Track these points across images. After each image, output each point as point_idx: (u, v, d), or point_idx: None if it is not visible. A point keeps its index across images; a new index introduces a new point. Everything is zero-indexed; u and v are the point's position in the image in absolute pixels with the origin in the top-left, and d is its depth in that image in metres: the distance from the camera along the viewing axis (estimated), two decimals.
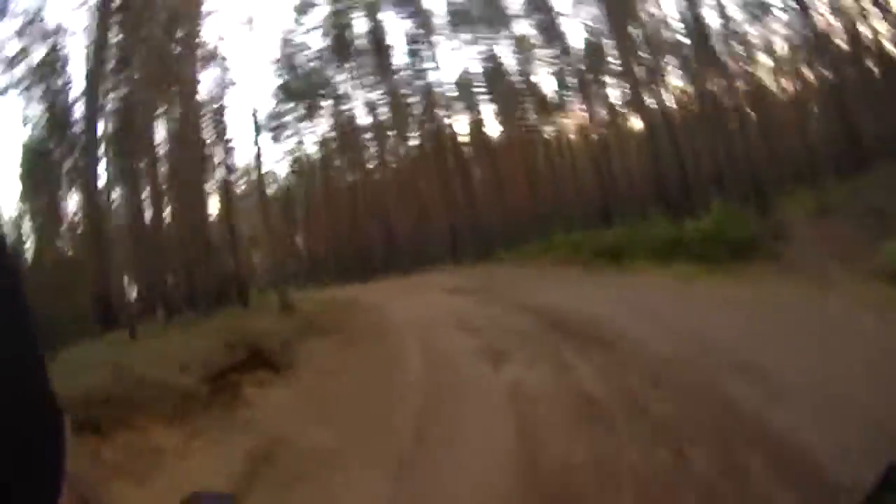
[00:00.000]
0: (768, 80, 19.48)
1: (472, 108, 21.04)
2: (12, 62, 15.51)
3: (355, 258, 19.64)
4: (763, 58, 18.96)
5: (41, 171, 16.77)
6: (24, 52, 15.80)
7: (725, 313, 6.38)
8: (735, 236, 9.27)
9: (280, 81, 21.91)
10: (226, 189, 19.06)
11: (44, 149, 16.69)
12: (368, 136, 20.73)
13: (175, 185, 17.84)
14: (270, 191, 21.42)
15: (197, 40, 18.36)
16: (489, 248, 18.44)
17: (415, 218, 19.82)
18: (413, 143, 20.89)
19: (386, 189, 19.69)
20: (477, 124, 20.91)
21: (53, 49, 16.33)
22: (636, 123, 20.94)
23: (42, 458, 0.46)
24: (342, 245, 19.77)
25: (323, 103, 20.66)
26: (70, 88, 16.67)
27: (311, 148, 20.74)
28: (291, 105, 21.71)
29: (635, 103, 19.74)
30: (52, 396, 0.48)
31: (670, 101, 19.19)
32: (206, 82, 19.35)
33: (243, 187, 23.04)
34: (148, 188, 17.76)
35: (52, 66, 16.71)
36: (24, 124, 15.99)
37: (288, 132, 20.67)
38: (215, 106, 20.12)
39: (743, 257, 8.57)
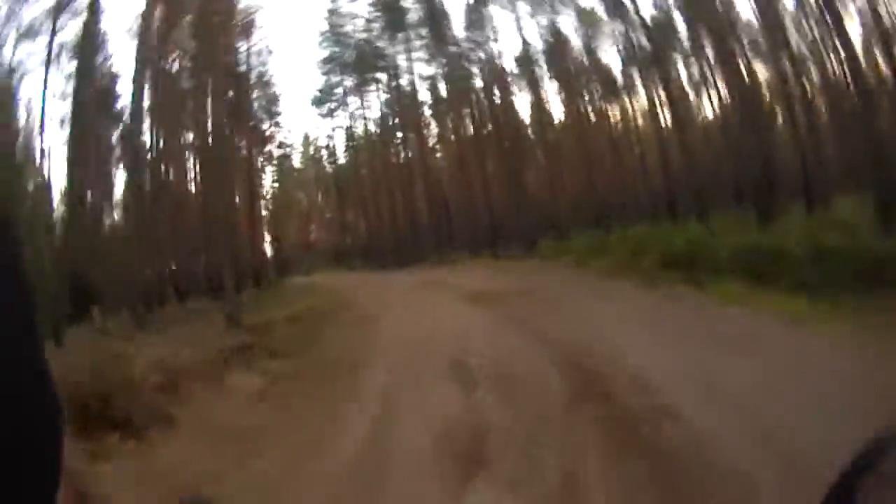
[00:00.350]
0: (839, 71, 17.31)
1: (533, 85, 19.70)
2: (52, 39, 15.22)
3: (396, 241, 18.88)
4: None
5: (85, 146, 16.57)
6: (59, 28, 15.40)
7: None
8: (860, 254, 6.69)
9: (326, 53, 21.12)
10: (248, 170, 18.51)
11: (88, 124, 16.44)
12: (425, 112, 19.76)
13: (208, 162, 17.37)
14: (314, 169, 21.04)
15: (238, 10, 17.72)
16: (537, 237, 17.27)
17: (464, 201, 18.82)
18: (470, 120, 19.69)
19: (439, 169, 18.80)
20: (538, 103, 19.60)
21: (90, 24, 15.99)
22: (707, 107, 19.33)
23: (41, 453, 0.46)
24: (385, 227, 19.00)
25: (377, 76, 19.77)
26: (111, 63, 16.46)
27: (366, 124, 19.95)
28: (341, 78, 20.92)
29: (707, 85, 18.08)
30: (52, 391, 0.48)
31: (744, 85, 17.40)
32: (249, 55, 18.86)
33: (298, 164, 22.68)
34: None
35: (91, 40, 16.40)
36: (64, 99, 15.71)
37: (337, 106, 19.96)
38: (261, 79, 19.58)
39: (864, 285, 5.78)
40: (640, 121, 20.32)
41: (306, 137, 21.91)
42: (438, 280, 13.63)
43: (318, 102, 19.93)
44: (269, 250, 21.23)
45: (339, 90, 20.25)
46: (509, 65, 20.43)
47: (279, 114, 19.34)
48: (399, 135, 18.97)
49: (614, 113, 19.90)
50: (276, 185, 20.91)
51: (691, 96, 20.09)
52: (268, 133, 18.85)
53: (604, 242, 14.39)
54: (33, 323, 0.48)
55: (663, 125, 19.44)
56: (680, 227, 14.67)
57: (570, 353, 5.64)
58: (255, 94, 19.23)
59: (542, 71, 19.84)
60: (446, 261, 17.69)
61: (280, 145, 21.70)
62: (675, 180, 17.47)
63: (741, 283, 7.52)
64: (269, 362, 7.15)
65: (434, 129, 20.07)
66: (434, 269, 16.97)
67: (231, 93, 18.51)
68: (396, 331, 8.19)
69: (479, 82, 19.55)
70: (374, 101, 19.92)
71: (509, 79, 19.85)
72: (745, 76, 16.61)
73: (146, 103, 16.45)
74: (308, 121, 26.12)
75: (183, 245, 17.38)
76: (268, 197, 21.04)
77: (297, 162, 22.46)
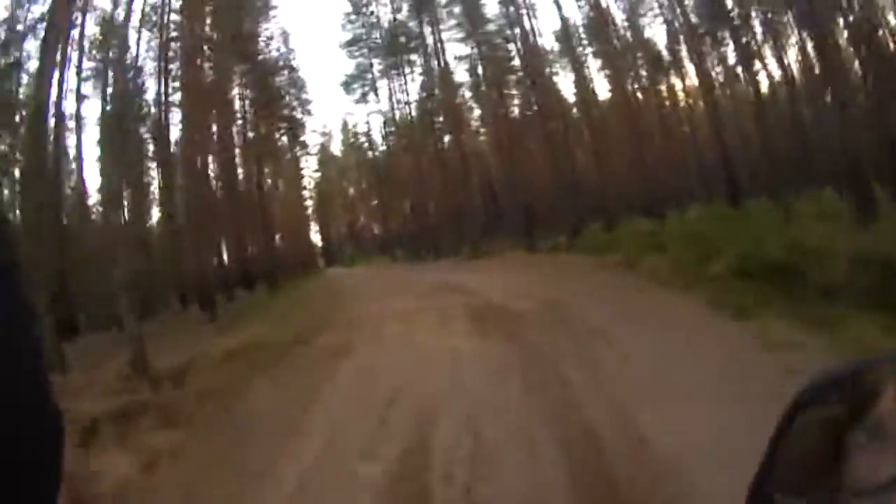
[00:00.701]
0: None
1: (576, 63, 18.76)
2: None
3: (439, 228, 18.18)
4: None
5: (118, 142, 15.98)
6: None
7: None
8: None
9: (351, 35, 20.18)
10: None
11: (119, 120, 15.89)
12: (465, 94, 18.89)
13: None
14: (354, 156, 20.32)
15: None
16: (583, 224, 16.49)
17: (507, 186, 18.05)
18: (511, 101, 18.82)
19: (482, 153, 18.06)
20: (581, 82, 18.68)
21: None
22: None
23: (41, 459, 0.46)
24: (428, 214, 18.29)
25: (410, 57, 18.88)
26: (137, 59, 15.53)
27: (402, 108, 19.07)
28: (370, 61, 20.01)
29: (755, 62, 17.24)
30: (52, 397, 0.48)
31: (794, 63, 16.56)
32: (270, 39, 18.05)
33: (339, 151, 21.93)
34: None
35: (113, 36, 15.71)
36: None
37: (370, 90, 19.10)
38: (289, 63, 18.75)
39: None
40: (688, 98, 19.55)
41: (345, 124, 21.22)
42: (459, 284, 11.20)
43: (348, 87, 19.09)
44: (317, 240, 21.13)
45: (370, 74, 19.38)
46: (549, 42, 19.57)
47: (309, 101, 18.60)
48: (440, 119, 18.10)
49: (662, 90, 19.06)
50: (319, 174, 20.53)
51: (740, 71, 19.15)
52: (301, 119, 18.10)
53: (657, 234, 12.41)
54: (33, 330, 0.47)
55: (712, 102, 18.62)
56: (742, 212, 13.77)
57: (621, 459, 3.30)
58: (280, 81, 18.47)
59: (584, 49, 19.00)
60: (481, 252, 16.83)
61: (321, 133, 21.15)
62: (732, 162, 16.67)
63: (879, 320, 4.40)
64: (155, 434, 5.05)
65: (476, 111, 19.20)
66: (463, 264, 15.96)
67: (256, 80, 17.76)
68: (355, 387, 5.67)
69: (517, 61, 18.63)
70: (409, 85, 19.02)
71: (550, 57, 18.97)
72: (804, 44, 15.58)
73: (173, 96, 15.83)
74: (343, 106, 25.49)
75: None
76: (310, 186, 20.64)
77: (336, 149, 21.93)
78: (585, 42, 19.24)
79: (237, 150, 16.95)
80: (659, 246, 10.42)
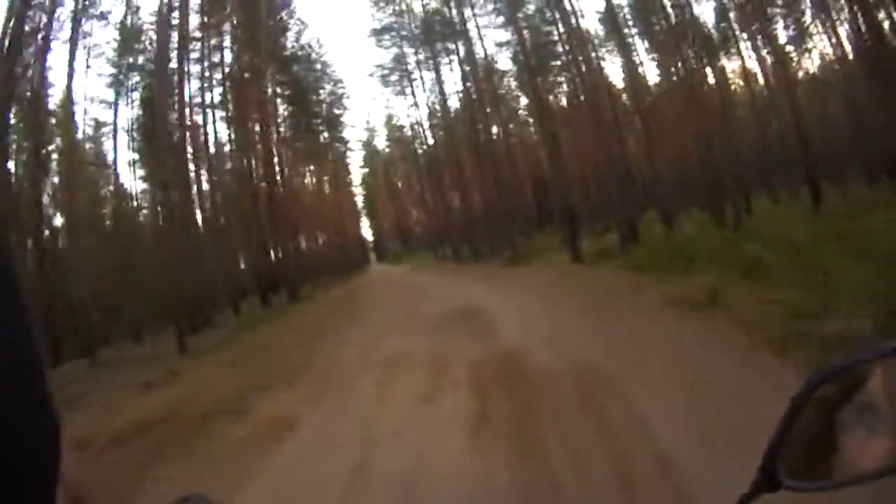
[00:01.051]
0: None
1: (622, 46, 17.76)
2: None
3: (485, 224, 17.41)
4: None
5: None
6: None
7: None
8: None
9: (379, 24, 19.31)
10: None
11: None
12: (511, 84, 17.99)
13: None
14: (398, 150, 19.60)
15: None
16: (637, 217, 15.45)
17: (557, 178, 17.19)
18: (558, 89, 17.90)
19: (531, 145, 17.23)
20: (630, 65, 17.71)
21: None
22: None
23: (40, 460, 0.46)
24: (475, 208, 17.51)
25: (448, 45, 17.99)
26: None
27: (444, 99, 18.19)
28: (402, 52, 19.13)
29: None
30: (49, 398, 0.48)
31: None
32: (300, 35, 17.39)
33: (384, 146, 21.25)
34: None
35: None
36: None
37: (408, 82, 18.27)
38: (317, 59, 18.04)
39: None
40: (740, 81, 18.52)
41: (389, 118, 20.49)
42: (481, 310, 9.28)
43: (385, 80, 18.27)
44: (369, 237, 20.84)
45: (407, 65, 18.53)
46: (592, 24, 18.59)
47: (344, 94, 17.87)
48: (486, 110, 17.23)
49: (714, 72, 18.04)
50: (366, 169, 20.01)
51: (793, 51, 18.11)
52: (339, 114, 17.38)
53: (735, 240, 10.00)
54: (31, 331, 0.47)
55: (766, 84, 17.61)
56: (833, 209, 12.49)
57: None
58: (313, 77, 17.76)
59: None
60: (520, 258, 15.68)
61: (365, 128, 20.54)
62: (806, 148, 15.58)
63: None
64: None
65: (522, 100, 18.30)
66: (498, 273, 14.45)
67: (288, 77, 17.09)
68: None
69: (560, 47, 17.66)
70: (448, 75, 18.14)
71: (595, 41, 17.97)
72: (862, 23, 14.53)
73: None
74: (387, 100, 24.72)
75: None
76: (357, 182, 20.19)
77: (381, 144, 21.28)
78: (631, 23, 18.27)
79: (273, 148, 16.30)
80: (751, 265, 7.12)
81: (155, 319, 14.34)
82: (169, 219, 14.66)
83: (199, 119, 15.84)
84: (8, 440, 0.43)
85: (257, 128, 16.55)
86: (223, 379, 7.74)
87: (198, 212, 15.66)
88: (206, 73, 16.33)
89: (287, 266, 16.10)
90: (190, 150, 15.29)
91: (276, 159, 15.68)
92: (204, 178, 16.05)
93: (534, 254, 16.00)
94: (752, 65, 18.98)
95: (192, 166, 15.42)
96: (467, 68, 17.50)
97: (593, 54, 17.36)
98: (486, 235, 17.07)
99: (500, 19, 17.90)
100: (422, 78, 18.50)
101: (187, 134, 14.49)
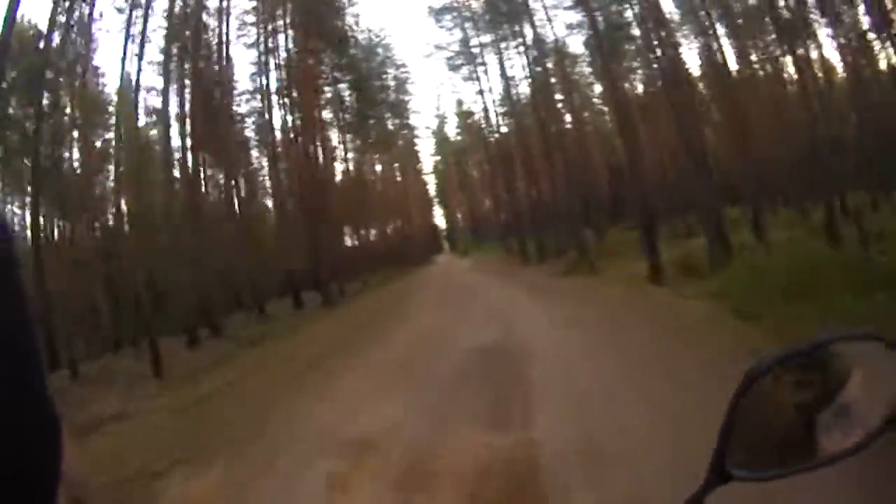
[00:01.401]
0: None
1: (701, 32, 16.73)
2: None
3: (558, 217, 16.57)
4: None
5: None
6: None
7: None
8: None
9: (440, 3, 18.36)
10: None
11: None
12: (585, 70, 17.03)
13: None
14: (468, 137, 18.76)
15: None
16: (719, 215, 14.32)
17: (630, 171, 16.30)
18: (633, 75, 16.94)
19: (607, 133, 16.35)
20: (708, 51, 16.71)
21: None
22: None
23: (41, 459, 0.46)
24: (548, 200, 16.67)
25: (515, 28, 17.05)
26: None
27: (512, 84, 17.28)
28: (464, 34, 18.20)
29: None
30: (49, 399, 0.48)
31: None
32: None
33: (455, 134, 20.42)
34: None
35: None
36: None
37: (474, 66, 17.35)
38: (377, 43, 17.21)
39: None
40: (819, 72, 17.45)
41: (459, 103, 19.60)
42: (510, 354, 7.25)
43: (452, 64, 17.37)
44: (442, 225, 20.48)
45: (473, 49, 17.59)
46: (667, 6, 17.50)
47: (409, 80, 17.05)
48: (559, 97, 16.35)
49: (796, 59, 17.00)
50: (438, 157, 19.31)
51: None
52: (404, 100, 16.59)
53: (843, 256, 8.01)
54: (30, 328, 0.47)
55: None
56: None
57: None
58: (375, 62, 16.95)
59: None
60: (582, 266, 14.04)
61: (435, 115, 19.82)
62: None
63: None
64: None
65: (597, 87, 17.35)
66: (554, 285, 12.67)
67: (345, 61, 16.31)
68: None
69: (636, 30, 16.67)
70: (519, 59, 17.17)
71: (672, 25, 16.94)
72: None
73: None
74: (451, 85, 23.84)
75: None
76: (427, 171, 19.52)
77: (451, 131, 20.46)
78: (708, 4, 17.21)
79: (336, 136, 15.56)
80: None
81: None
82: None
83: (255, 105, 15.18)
84: (8, 440, 0.42)
85: (315, 113, 15.81)
86: (157, 438, 6.42)
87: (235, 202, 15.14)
88: (262, 59, 15.65)
89: (328, 261, 15.28)
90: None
91: (331, 146, 15.00)
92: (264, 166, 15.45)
93: (604, 257, 14.50)
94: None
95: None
96: (535, 53, 16.57)
97: (670, 39, 16.40)
98: (556, 229, 16.25)
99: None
100: (485, 63, 17.60)
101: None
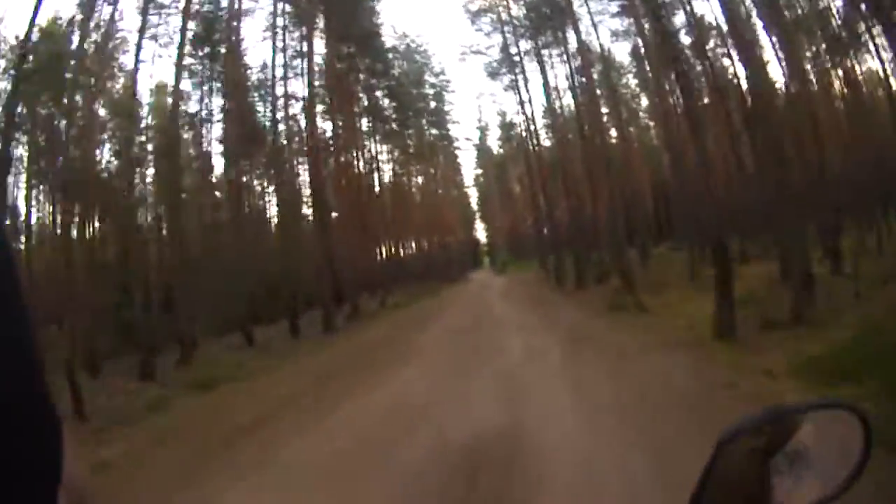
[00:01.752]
0: None
1: (750, 44, 15.96)
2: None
3: (599, 234, 15.83)
4: None
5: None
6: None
7: None
8: None
9: (476, 6, 17.66)
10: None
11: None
12: (631, 82, 16.32)
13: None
14: (508, 149, 18.14)
15: None
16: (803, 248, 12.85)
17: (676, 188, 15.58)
18: (681, 87, 16.13)
19: (653, 149, 15.63)
20: (755, 63, 15.95)
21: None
22: None
23: (41, 457, 0.46)
24: (589, 218, 15.92)
25: (559, 34, 16.28)
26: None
27: (556, 95, 16.55)
28: (503, 40, 17.47)
29: None
30: (50, 400, 0.48)
31: None
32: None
33: (499, 147, 19.64)
34: None
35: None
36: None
37: (515, 74, 16.64)
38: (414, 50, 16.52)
39: None
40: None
41: (502, 115, 18.89)
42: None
43: (493, 72, 16.66)
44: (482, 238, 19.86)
45: (508, 54, 16.85)
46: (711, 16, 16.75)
47: (448, 88, 16.33)
48: (604, 110, 15.61)
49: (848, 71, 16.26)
50: (480, 170, 18.61)
51: None
52: (444, 109, 15.86)
53: None
54: (29, 327, 0.47)
55: None
56: None
57: None
58: (413, 69, 16.24)
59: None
60: (632, 298, 11.81)
61: (477, 127, 19.11)
62: None
63: None
64: None
65: (643, 100, 16.62)
66: (596, 327, 9.88)
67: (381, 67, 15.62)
68: None
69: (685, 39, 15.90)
70: (560, 68, 16.45)
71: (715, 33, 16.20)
72: None
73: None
74: (492, 94, 23.15)
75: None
76: (467, 183, 18.85)
77: (493, 143, 19.69)
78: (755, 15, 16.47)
79: (371, 146, 14.84)
80: None
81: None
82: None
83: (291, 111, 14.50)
84: (9, 440, 0.42)
85: (350, 121, 15.11)
86: None
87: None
88: (294, 62, 14.96)
89: (345, 278, 14.43)
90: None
91: (368, 156, 14.28)
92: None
93: (650, 287, 12.63)
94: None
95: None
96: (578, 61, 15.80)
97: (719, 49, 15.65)
98: (597, 246, 15.51)
99: (615, 5, 16.12)
100: (524, 71, 16.85)
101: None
